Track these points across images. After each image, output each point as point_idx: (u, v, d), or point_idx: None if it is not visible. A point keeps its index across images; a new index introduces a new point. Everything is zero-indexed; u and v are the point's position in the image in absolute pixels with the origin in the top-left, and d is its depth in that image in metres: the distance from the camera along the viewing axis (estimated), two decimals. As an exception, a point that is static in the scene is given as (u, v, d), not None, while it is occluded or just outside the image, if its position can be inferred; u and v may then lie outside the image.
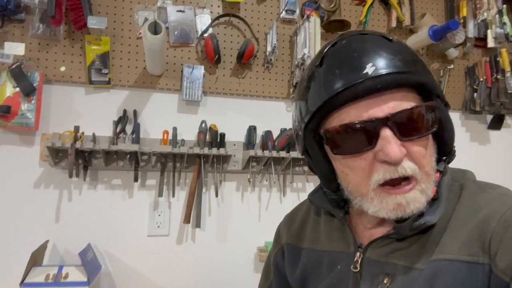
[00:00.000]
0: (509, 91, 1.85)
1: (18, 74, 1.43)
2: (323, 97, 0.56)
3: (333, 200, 0.68)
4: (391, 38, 0.59)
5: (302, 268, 0.73)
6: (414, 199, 0.55)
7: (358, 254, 0.63)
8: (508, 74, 1.87)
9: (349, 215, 0.69)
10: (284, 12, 1.77)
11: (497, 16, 1.95)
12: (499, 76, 1.89)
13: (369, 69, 0.53)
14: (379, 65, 0.54)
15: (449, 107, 0.62)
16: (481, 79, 1.95)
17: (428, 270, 0.54)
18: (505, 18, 1.94)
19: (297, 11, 1.79)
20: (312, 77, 0.59)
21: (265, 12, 1.77)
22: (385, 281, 0.58)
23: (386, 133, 0.53)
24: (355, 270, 0.62)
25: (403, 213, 0.55)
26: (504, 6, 1.95)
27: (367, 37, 0.59)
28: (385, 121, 0.53)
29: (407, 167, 0.54)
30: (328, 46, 0.60)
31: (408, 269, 0.57)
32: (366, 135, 0.54)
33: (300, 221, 0.79)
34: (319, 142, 0.61)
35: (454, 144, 0.63)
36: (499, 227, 0.52)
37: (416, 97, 0.58)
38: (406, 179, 0.55)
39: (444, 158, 0.63)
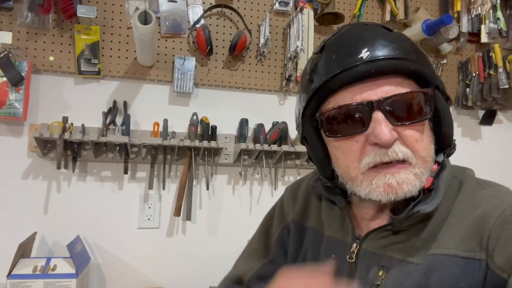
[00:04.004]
0: (501, 87, 1.85)
1: (6, 63, 1.40)
2: (319, 80, 0.57)
3: (328, 188, 0.68)
4: (391, 29, 0.60)
5: (305, 247, 0.74)
6: (407, 180, 0.55)
7: (354, 245, 0.63)
8: (500, 70, 1.87)
9: (350, 205, 0.69)
10: (277, 4, 1.75)
11: (491, 11, 1.95)
12: (491, 72, 1.89)
13: (364, 54, 0.55)
14: (374, 50, 0.55)
15: (450, 101, 0.62)
16: (474, 74, 1.95)
17: (425, 264, 0.54)
18: (499, 14, 1.94)
19: (291, 3, 1.77)
20: (312, 67, 0.61)
21: (258, 4, 1.75)
22: (380, 274, 0.58)
23: (378, 115, 0.54)
24: (350, 261, 0.63)
25: (395, 195, 0.55)
26: (498, 1, 1.95)
27: (367, 27, 0.60)
28: (377, 104, 0.54)
29: (398, 151, 0.54)
30: (329, 36, 0.62)
31: (404, 262, 0.57)
32: (359, 117, 0.55)
33: (303, 198, 0.79)
34: (316, 128, 0.63)
35: (454, 138, 0.63)
36: (497, 224, 0.52)
37: (413, 85, 0.58)
38: (399, 163, 0.55)
39: (444, 151, 0.63)
